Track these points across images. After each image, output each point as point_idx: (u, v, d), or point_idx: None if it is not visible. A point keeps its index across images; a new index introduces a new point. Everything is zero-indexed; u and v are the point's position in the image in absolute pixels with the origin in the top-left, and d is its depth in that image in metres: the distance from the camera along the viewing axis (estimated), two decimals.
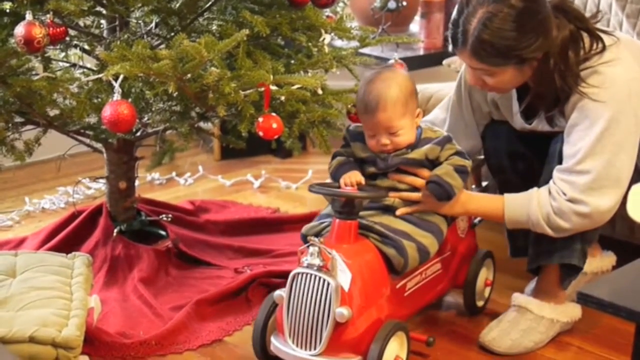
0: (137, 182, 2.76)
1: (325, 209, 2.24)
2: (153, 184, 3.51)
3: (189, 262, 2.73)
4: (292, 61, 2.46)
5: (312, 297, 1.99)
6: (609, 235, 2.55)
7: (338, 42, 2.83)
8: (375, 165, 2.19)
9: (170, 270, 2.66)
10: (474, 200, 2.24)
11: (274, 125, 2.19)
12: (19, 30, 2.03)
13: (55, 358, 1.80)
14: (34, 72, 2.26)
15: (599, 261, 2.52)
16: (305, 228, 2.20)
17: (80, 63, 2.54)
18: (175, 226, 2.83)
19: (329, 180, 2.24)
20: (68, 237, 2.71)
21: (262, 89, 2.17)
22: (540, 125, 2.26)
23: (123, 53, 2.08)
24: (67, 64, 2.53)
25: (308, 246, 2.01)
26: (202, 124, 2.61)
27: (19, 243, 2.79)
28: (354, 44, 2.62)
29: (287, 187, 3.44)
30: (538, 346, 2.26)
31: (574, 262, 2.22)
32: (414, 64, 3.23)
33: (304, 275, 2.01)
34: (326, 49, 2.47)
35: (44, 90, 2.18)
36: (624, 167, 2.10)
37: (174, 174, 3.58)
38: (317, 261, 1.99)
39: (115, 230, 2.67)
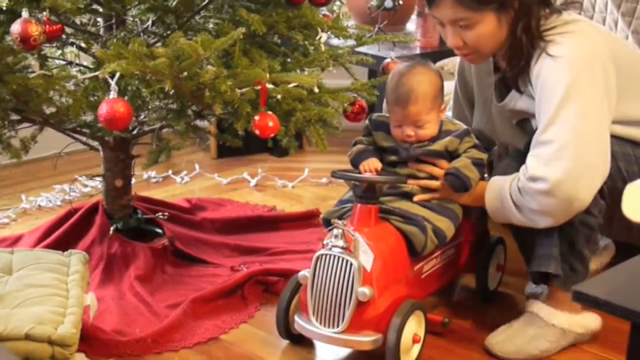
0: (133, 180, 2.76)
1: (345, 194, 2.32)
2: (149, 182, 3.51)
3: (185, 260, 2.73)
4: (289, 59, 2.47)
5: (335, 277, 2.07)
6: (605, 236, 2.55)
7: (334, 41, 2.82)
8: (397, 154, 2.28)
9: (166, 268, 2.66)
10: (479, 189, 2.25)
11: (270, 124, 2.19)
12: (15, 27, 2.03)
13: (51, 355, 1.80)
14: (30, 70, 2.26)
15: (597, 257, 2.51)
16: (326, 212, 2.29)
17: (77, 61, 2.54)
18: (171, 224, 2.83)
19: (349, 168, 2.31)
20: (64, 234, 2.71)
21: (259, 87, 2.17)
22: (512, 101, 2.25)
23: (119, 51, 2.08)
24: (64, 62, 2.53)
25: (331, 229, 2.09)
26: (198, 122, 2.61)
27: (15, 241, 2.79)
28: (351, 42, 2.62)
29: (283, 186, 3.44)
30: (544, 355, 2.20)
31: (550, 270, 2.15)
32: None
33: (328, 256, 2.08)
34: (322, 48, 2.47)
35: (40, 88, 2.18)
36: (592, 139, 2.06)
37: (170, 172, 3.58)
38: (340, 242, 2.06)
39: (112, 228, 2.67)
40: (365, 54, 2.83)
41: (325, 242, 2.10)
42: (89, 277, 2.24)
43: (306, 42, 2.50)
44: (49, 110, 2.36)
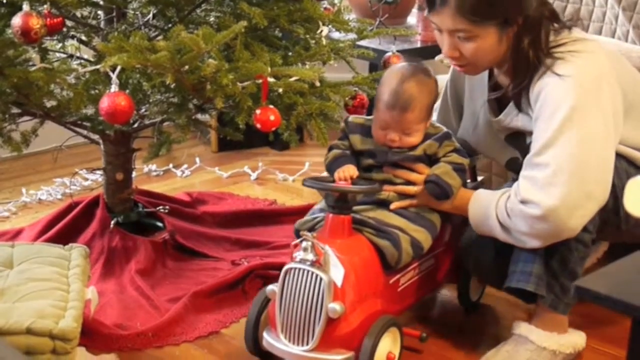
0: (134, 174, 2.76)
1: (319, 203, 2.22)
2: (150, 175, 3.51)
3: (186, 253, 2.73)
4: (290, 53, 2.46)
5: (304, 292, 1.97)
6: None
7: (336, 34, 2.82)
8: (374, 158, 2.18)
9: (167, 262, 2.66)
10: (462, 198, 2.16)
11: (272, 118, 2.18)
12: (16, 20, 2.03)
13: (52, 349, 1.80)
14: (31, 63, 2.25)
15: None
16: (298, 223, 2.18)
17: (78, 54, 2.54)
18: (172, 218, 2.83)
19: (325, 174, 2.23)
20: (65, 228, 2.71)
21: (260, 81, 2.17)
22: (509, 118, 2.16)
23: (120, 44, 2.08)
24: (64, 55, 2.53)
25: (301, 241, 1.99)
26: (199, 116, 2.61)
27: (16, 234, 2.79)
28: (352, 36, 2.62)
29: (284, 179, 3.44)
30: None
31: (528, 288, 2.04)
32: (411, 56, 3.22)
33: (297, 270, 1.99)
34: (324, 41, 2.47)
35: (41, 81, 2.18)
36: (591, 166, 1.95)
37: (171, 165, 3.58)
38: (310, 256, 1.97)
39: (112, 222, 2.67)
40: (367, 48, 2.83)
41: (294, 255, 2.00)
42: (90, 271, 2.24)
43: (307, 36, 2.49)
44: (49, 103, 2.35)
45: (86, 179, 3.39)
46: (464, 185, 2.22)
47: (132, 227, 2.72)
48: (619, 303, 1.27)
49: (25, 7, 2.05)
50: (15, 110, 2.39)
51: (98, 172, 2.77)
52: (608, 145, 2.00)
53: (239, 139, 2.76)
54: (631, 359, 1.34)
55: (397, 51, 2.62)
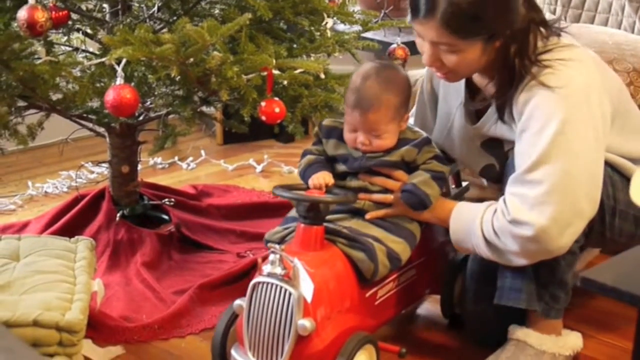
0: (139, 167, 2.76)
1: (292, 211, 2.08)
2: (155, 168, 3.52)
3: (192, 246, 2.74)
4: (295, 45, 2.46)
5: (272, 307, 1.84)
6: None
7: (340, 27, 2.82)
8: (347, 163, 2.08)
9: (172, 255, 2.67)
10: (439, 207, 2.06)
11: (277, 110, 2.18)
12: (22, 13, 2.03)
13: (58, 341, 1.81)
14: (36, 56, 2.26)
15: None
16: (268, 233, 2.07)
17: (83, 47, 2.54)
18: (177, 210, 2.83)
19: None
20: (71, 221, 2.72)
21: (265, 73, 2.17)
22: (488, 125, 2.06)
23: (125, 37, 2.08)
24: (70, 48, 2.53)
25: (268, 254, 1.86)
26: (204, 108, 2.61)
27: (22, 227, 2.80)
28: (357, 28, 2.62)
29: (289, 172, 3.44)
30: None
31: (520, 306, 2.00)
32: (415, 48, 3.22)
33: (265, 284, 1.85)
34: (329, 33, 2.47)
35: (46, 74, 2.18)
36: (583, 182, 1.87)
37: (176, 158, 3.58)
38: (278, 270, 1.84)
39: (118, 215, 2.68)
40: (371, 40, 2.83)
41: (262, 268, 1.87)
42: (96, 263, 2.24)
43: (312, 28, 2.49)
44: (55, 96, 2.36)
45: (92, 172, 3.40)
46: (446, 194, 2.15)
47: (137, 220, 2.72)
48: (625, 294, 1.27)
49: (31, 0, 2.05)
50: (21, 103, 2.40)
51: (104, 165, 2.77)
52: (598, 157, 1.93)
53: (244, 132, 2.76)
54: (638, 350, 1.34)
55: (402, 43, 2.62)
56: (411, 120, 2.28)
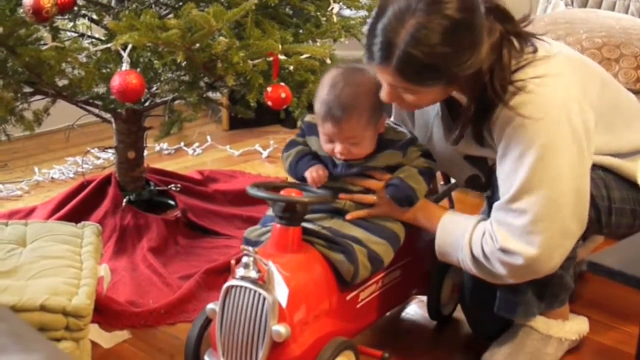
0: (145, 152, 2.76)
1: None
2: (161, 154, 3.52)
3: (198, 231, 2.74)
4: (301, 30, 2.46)
5: (246, 313, 1.74)
6: None
7: (346, 12, 2.81)
8: (328, 168, 1.98)
9: (179, 240, 2.68)
10: (424, 209, 1.99)
11: (283, 95, 2.18)
12: (28, 0, 2.03)
13: (65, 326, 1.81)
14: (42, 42, 2.26)
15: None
16: (247, 231, 1.99)
17: (89, 33, 2.54)
18: (184, 196, 2.84)
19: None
20: (77, 206, 2.72)
21: (271, 58, 2.17)
22: (468, 147, 1.96)
23: (131, 22, 2.08)
24: (76, 34, 2.53)
25: (241, 257, 1.77)
26: (210, 94, 2.61)
27: (29, 213, 2.81)
28: (363, 13, 2.61)
29: None
30: None
31: (516, 319, 2.00)
32: None
33: (238, 288, 1.76)
34: (335, 19, 2.46)
35: (52, 60, 2.18)
36: (568, 203, 1.80)
37: (182, 144, 3.58)
38: (252, 273, 1.75)
39: (124, 200, 2.68)
40: None
41: (236, 271, 1.78)
42: (102, 248, 2.25)
43: (318, 13, 2.49)
44: (61, 82, 2.36)
45: (98, 158, 3.41)
46: (434, 191, 2.09)
47: (144, 205, 2.73)
48: (631, 278, 1.27)
49: None
50: (27, 89, 2.40)
51: (110, 150, 2.78)
52: (583, 172, 1.84)
53: (250, 117, 2.76)
54: None
55: None
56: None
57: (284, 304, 1.74)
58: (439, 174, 2.25)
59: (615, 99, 2.02)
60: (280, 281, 1.75)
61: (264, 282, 1.74)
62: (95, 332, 2.07)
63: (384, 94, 1.83)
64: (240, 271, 1.76)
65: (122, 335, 2.16)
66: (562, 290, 2.00)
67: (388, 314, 2.15)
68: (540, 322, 2.03)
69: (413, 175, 1.96)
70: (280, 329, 1.71)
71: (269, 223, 1.91)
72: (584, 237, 2.02)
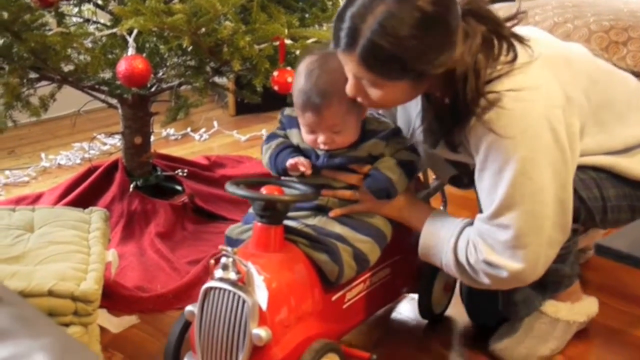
0: (152, 138, 2.76)
1: None
2: (168, 139, 3.52)
3: (205, 216, 2.74)
4: (307, 15, 2.45)
5: (226, 315, 1.67)
6: None
7: None
8: (311, 160, 1.89)
9: (186, 225, 2.68)
10: (410, 207, 1.93)
11: (289, 80, 2.18)
12: None
13: (74, 311, 1.82)
14: (48, 28, 2.26)
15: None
16: (230, 229, 1.93)
17: (94, 18, 2.54)
18: (191, 181, 2.84)
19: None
20: (84, 192, 2.73)
21: (277, 42, 2.16)
22: (444, 152, 1.88)
23: (137, 7, 2.07)
24: (81, 19, 2.52)
25: (220, 257, 1.68)
26: (216, 79, 2.60)
27: (36, 199, 2.81)
28: None
29: None
30: (554, 353, 2.02)
31: (513, 317, 2.00)
32: None
33: (217, 290, 1.68)
34: (341, 2, 2.45)
35: (58, 46, 2.17)
36: (550, 215, 1.75)
37: (189, 129, 3.58)
38: (231, 274, 1.67)
39: (132, 186, 2.68)
40: None
41: (214, 272, 1.70)
42: (110, 234, 2.25)
43: None
44: (67, 68, 2.36)
45: (105, 144, 3.41)
46: (424, 185, 2.05)
47: (151, 191, 2.73)
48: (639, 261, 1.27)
49: None
50: (33, 75, 2.40)
51: (116, 136, 2.78)
52: (567, 181, 1.78)
53: (256, 102, 2.76)
54: None
55: None
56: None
57: (264, 306, 1.66)
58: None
59: (607, 94, 1.92)
60: (260, 283, 1.67)
61: (243, 283, 1.66)
62: (103, 317, 2.07)
63: (348, 87, 1.75)
64: (218, 272, 1.69)
65: (131, 320, 2.16)
66: (562, 280, 1.99)
67: (377, 313, 2.08)
68: (548, 306, 2.02)
69: (391, 166, 1.87)
70: (261, 332, 1.64)
71: (252, 220, 1.81)
72: (586, 229, 2.01)
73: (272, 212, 1.74)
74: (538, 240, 1.76)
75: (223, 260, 1.67)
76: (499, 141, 1.70)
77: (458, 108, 1.73)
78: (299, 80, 1.83)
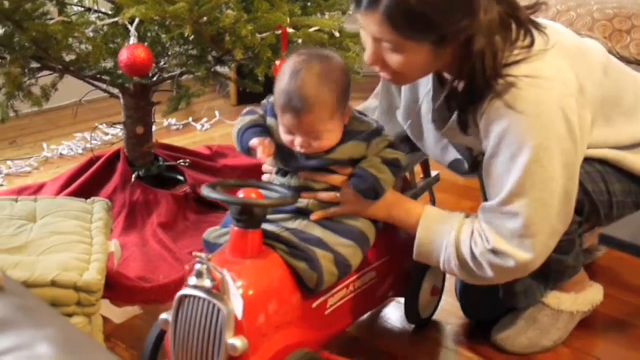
0: (154, 128, 2.76)
1: None
2: (170, 129, 3.52)
3: (207, 207, 2.74)
4: (309, 3, 2.44)
5: (200, 325, 1.61)
6: None
7: None
8: (286, 163, 1.84)
9: (188, 215, 2.67)
10: (399, 205, 1.87)
11: None
12: None
13: (77, 302, 1.81)
14: (49, 17, 2.25)
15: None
16: (207, 232, 1.86)
17: (96, 7, 2.53)
18: (193, 171, 2.83)
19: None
20: (87, 182, 2.73)
21: (279, 31, 2.15)
22: (452, 134, 1.86)
23: None
24: (82, 9, 2.52)
25: (194, 264, 1.61)
26: (218, 68, 2.60)
27: (38, 189, 2.81)
28: None
29: None
30: (557, 344, 2.02)
31: (518, 306, 2.00)
32: None
33: (191, 298, 1.62)
34: None
35: (59, 35, 2.17)
36: (558, 205, 1.74)
37: (190, 119, 3.58)
38: (205, 282, 1.60)
39: (134, 176, 2.68)
40: None
41: (189, 280, 1.63)
42: (112, 224, 2.25)
43: None
44: (68, 57, 2.35)
45: (106, 134, 3.40)
46: (410, 186, 2.03)
47: (153, 181, 2.73)
48: None
49: None
50: (34, 64, 2.39)
51: (118, 126, 2.77)
52: (575, 173, 1.77)
53: (258, 92, 2.74)
54: None
55: None
56: (374, 102, 2.14)
57: (239, 315, 1.58)
58: (417, 167, 2.16)
59: (617, 90, 1.91)
60: (236, 291, 1.59)
61: (218, 291, 1.59)
62: (106, 308, 2.08)
63: (367, 56, 1.72)
64: (192, 280, 1.62)
65: (133, 310, 2.16)
66: (565, 270, 1.98)
67: (362, 318, 2.01)
68: (551, 298, 2.02)
69: (376, 165, 1.80)
70: (236, 342, 1.58)
71: (230, 224, 1.72)
72: (591, 227, 2.00)
73: (250, 217, 1.66)
74: (545, 229, 1.74)
75: (197, 267, 1.60)
76: (513, 128, 1.69)
77: (473, 88, 1.71)
78: (283, 78, 1.74)
